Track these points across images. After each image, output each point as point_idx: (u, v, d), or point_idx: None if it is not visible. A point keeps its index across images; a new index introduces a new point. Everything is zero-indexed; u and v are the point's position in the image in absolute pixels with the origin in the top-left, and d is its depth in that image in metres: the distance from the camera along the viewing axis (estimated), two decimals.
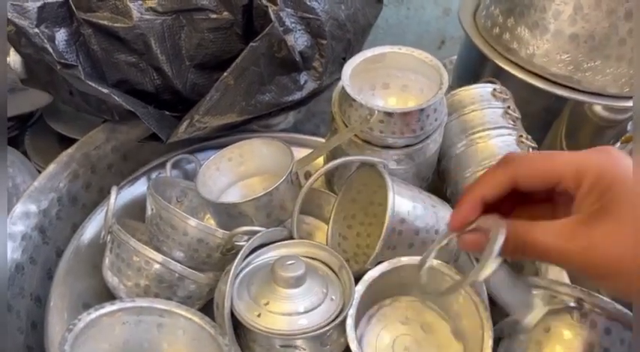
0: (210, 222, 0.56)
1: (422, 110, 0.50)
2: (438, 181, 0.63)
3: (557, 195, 0.36)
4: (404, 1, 1.13)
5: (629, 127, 0.79)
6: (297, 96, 0.58)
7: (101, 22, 0.51)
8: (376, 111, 0.48)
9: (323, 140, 0.64)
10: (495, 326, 0.46)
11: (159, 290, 0.47)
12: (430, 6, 1.14)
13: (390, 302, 0.51)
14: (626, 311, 0.42)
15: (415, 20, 1.16)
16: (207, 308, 0.48)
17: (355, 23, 0.63)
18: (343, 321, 0.44)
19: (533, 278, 0.49)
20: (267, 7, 0.49)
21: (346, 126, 0.53)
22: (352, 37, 0.63)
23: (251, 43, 0.49)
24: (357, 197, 0.56)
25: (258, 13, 0.50)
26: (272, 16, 0.49)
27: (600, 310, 0.42)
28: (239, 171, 0.59)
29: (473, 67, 0.77)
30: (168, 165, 0.58)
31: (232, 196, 0.58)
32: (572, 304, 0.44)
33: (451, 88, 0.63)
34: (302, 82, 0.58)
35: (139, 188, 0.58)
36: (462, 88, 0.61)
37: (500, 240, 0.34)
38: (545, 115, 0.73)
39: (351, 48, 0.63)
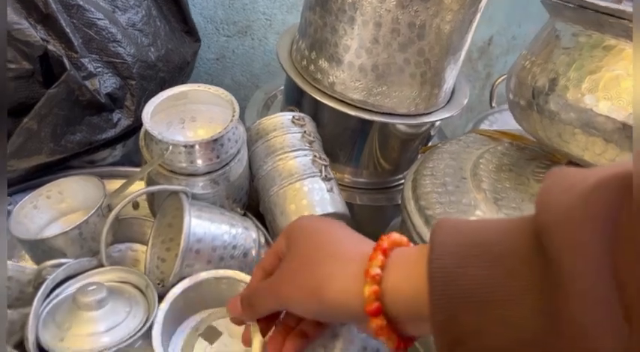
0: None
1: (215, 140, 0.57)
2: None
3: None
4: (247, 32, 1.21)
5: (432, 133, 0.91)
6: (111, 133, 0.62)
7: None
8: (170, 146, 0.54)
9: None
10: None
11: None
12: (273, 36, 1.23)
13: (199, 316, 0.57)
14: None
15: (260, 50, 1.24)
16: None
17: (168, 62, 0.69)
18: (149, 335, 0.49)
19: None
20: (62, 56, 0.54)
21: (152, 158, 0.58)
22: (166, 76, 0.69)
23: (48, 90, 0.53)
24: (173, 221, 0.61)
25: (56, 62, 0.54)
26: (67, 64, 0.54)
27: None
28: (60, 208, 0.63)
29: (294, 95, 0.85)
30: None
31: (53, 232, 0.61)
32: None
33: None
34: (115, 120, 0.63)
35: None
36: (265, 118, 0.69)
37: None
38: (358, 134, 0.83)
39: (167, 84, 0.68)
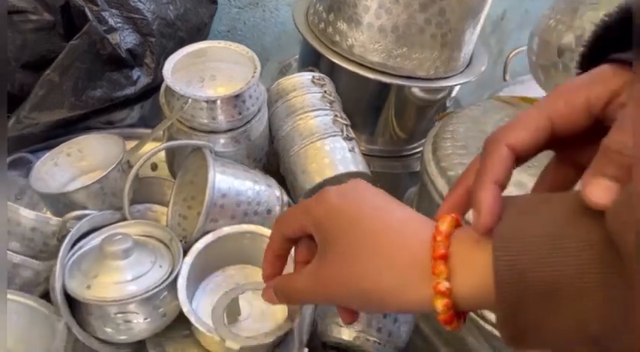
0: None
1: (237, 96, 0.56)
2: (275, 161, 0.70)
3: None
4: (259, 4, 1.20)
5: (448, 104, 0.91)
6: (131, 90, 0.62)
7: None
8: (189, 100, 0.54)
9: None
10: None
11: None
12: (284, 8, 1.21)
13: (221, 273, 0.56)
14: None
15: (272, 22, 1.22)
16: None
17: (187, 22, 0.68)
18: (174, 287, 0.49)
19: None
20: (83, 7, 0.53)
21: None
22: (185, 35, 0.68)
23: (71, 42, 0.53)
24: (194, 179, 0.61)
25: (77, 14, 0.54)
26: (90, 15, 0.53)
27: None
28: (81, 166, 0.62)
29: (310, 60, 0.84)
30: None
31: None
32: None
33: None
34: (135, 78, 0.62)
35: None
36: (285, 78, 0.68)
37: None
38: (375, 99, 0.83)
39: (186, 44, 0.67)
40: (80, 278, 0.47)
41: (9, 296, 0.48)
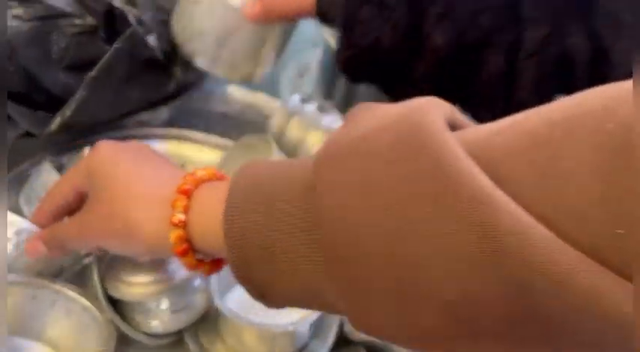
0: None
1: None
2: None
3: None
4: None
5: None
6: (165, 92, 0.65)
7: None
8: None
9: (197, 132, 0.70)
10: None
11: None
12: None
13: None
14: None
15: None
16: None
17: None
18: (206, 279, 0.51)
19: None
20: (126, 12, 0.56)
21: None
22: None
23: (115, 45, 0.55)
24: None
25: (120, 18, 0.56)
26: (132, 20, 0.56)
27: None
28: None
29: None
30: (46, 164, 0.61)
31: None
32: None
33: None
34: (169, 78, 0.65)
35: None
36: None
37: None
38: None
39: None
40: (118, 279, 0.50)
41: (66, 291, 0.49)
